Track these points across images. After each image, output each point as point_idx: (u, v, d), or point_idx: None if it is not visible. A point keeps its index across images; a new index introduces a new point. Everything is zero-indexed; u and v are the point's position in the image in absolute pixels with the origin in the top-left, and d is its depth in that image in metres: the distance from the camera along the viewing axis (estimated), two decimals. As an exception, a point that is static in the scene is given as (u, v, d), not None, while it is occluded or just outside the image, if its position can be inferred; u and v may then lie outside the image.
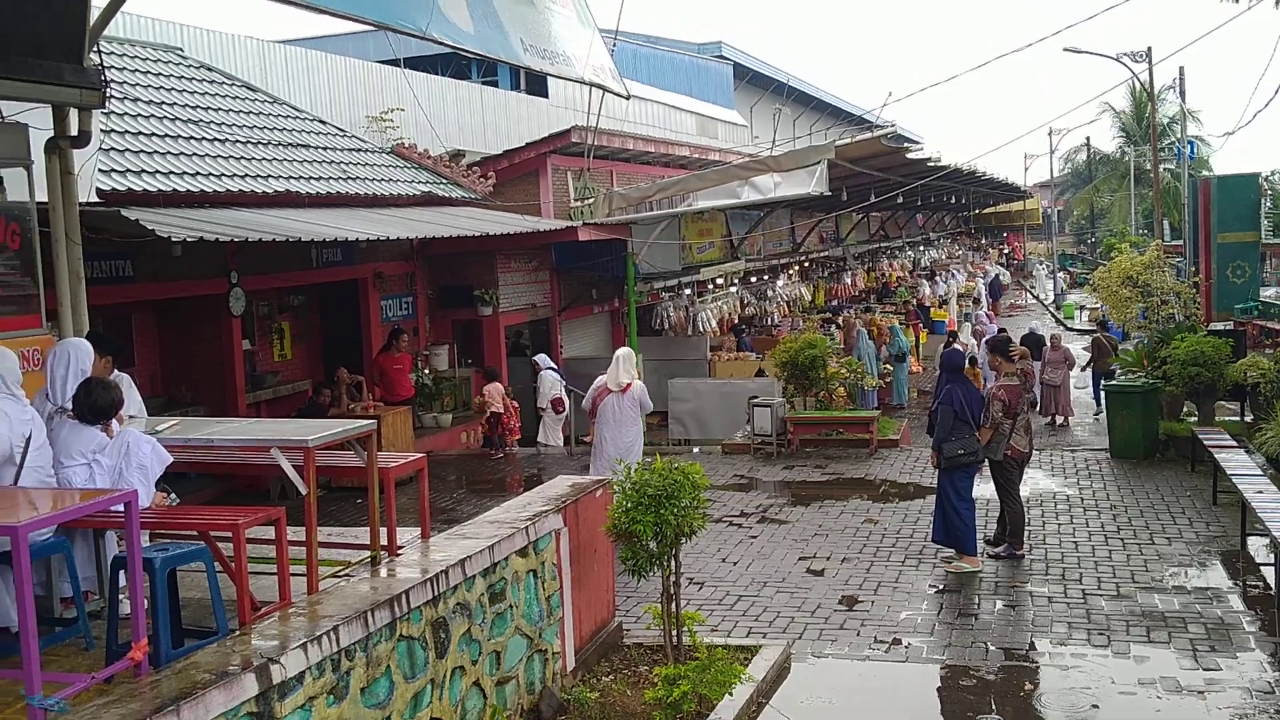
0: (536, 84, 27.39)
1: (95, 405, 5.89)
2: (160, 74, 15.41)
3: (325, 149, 16.59)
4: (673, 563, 7.83)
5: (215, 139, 14.29)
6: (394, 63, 19.90)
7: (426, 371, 17.94)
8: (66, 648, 5.63)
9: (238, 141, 14.66)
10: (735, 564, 11.07)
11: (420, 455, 7.66)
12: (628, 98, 13.49)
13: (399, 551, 7.03)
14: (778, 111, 40.94)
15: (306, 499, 6.28)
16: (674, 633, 7.96)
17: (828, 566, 10.86)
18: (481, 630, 6.84)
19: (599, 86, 12.19)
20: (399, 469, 7.28)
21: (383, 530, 7.00)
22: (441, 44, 8.76)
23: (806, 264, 32.18)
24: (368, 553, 6.98)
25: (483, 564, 6.90)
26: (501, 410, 16.87)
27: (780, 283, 29.23)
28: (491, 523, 7.63)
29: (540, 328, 20.70)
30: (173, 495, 6.55)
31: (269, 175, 14.17)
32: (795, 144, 30.52)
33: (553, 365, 17.92)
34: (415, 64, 22.19)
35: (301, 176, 14.84)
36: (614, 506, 7.86)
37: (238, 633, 5.49)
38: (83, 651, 5.58)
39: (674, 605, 7.94)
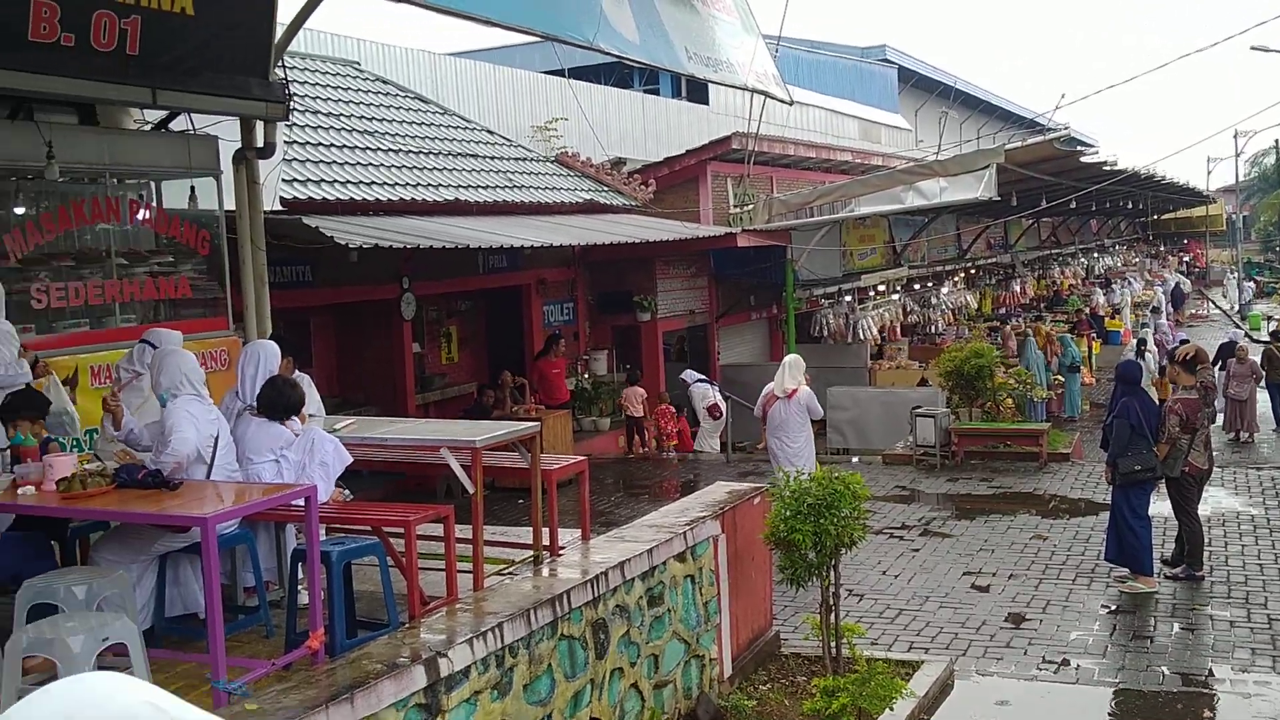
0: (698, 91, 27.50)
1: (281, 403, 6.17)
2: (339, 87, 16.08)
3: (492, 158, 17.01)
4: (832, 573, 7.73)
5: (389, 149, 14.82)
6: (559, 73, 20.26)
7: (586, 376, 18.19)
8: (249, 635, 5.91)
9: (410, 151, 15.18)
10: (896, 577, 10.86)
11: (581, 458, 7.77)
12: (790, 103, 13.41)
13: (560, 552, 7.15)
14: (943, 115, 40.05)
15: (473, 498, 6.44)
16: (833, 644, 7.85)
17: (993, 582, 10.55)
18: (640, 633, 6.89)
19: (762, 93, 12.15)
20: (561, 471, 7.40)
21: (544, 531, 7.13)
22: (608, 54, 8.89)
23: (973, 271, 31.36)
24: (530, 552, 7.12)
25: (641, 567, 6.95)
26: (640, 414, 17.01)
27: (945, 290, 28.56)
28: (650, 526, 7.68)
29: (698, 334, 20.75)
30: (347, 491, 6.81)
31: (439, 184, 14.62)
32: (962, 148, 29.78)
33: (701, 376, 17.97)
34: (579, 74, 22.56)
35: (470, 185, 15.26)
36: (772, 515, 7.81)
37: (407, 626, 5.68)
38: (263, 639, 5.86)
39: (833, 616, 7.84)
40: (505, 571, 7.04)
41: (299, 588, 5.72)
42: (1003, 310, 32.81)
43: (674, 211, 19.29)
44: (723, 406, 17.47)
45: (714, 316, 20.86)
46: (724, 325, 21.16)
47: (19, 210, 8.25)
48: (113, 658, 4.68)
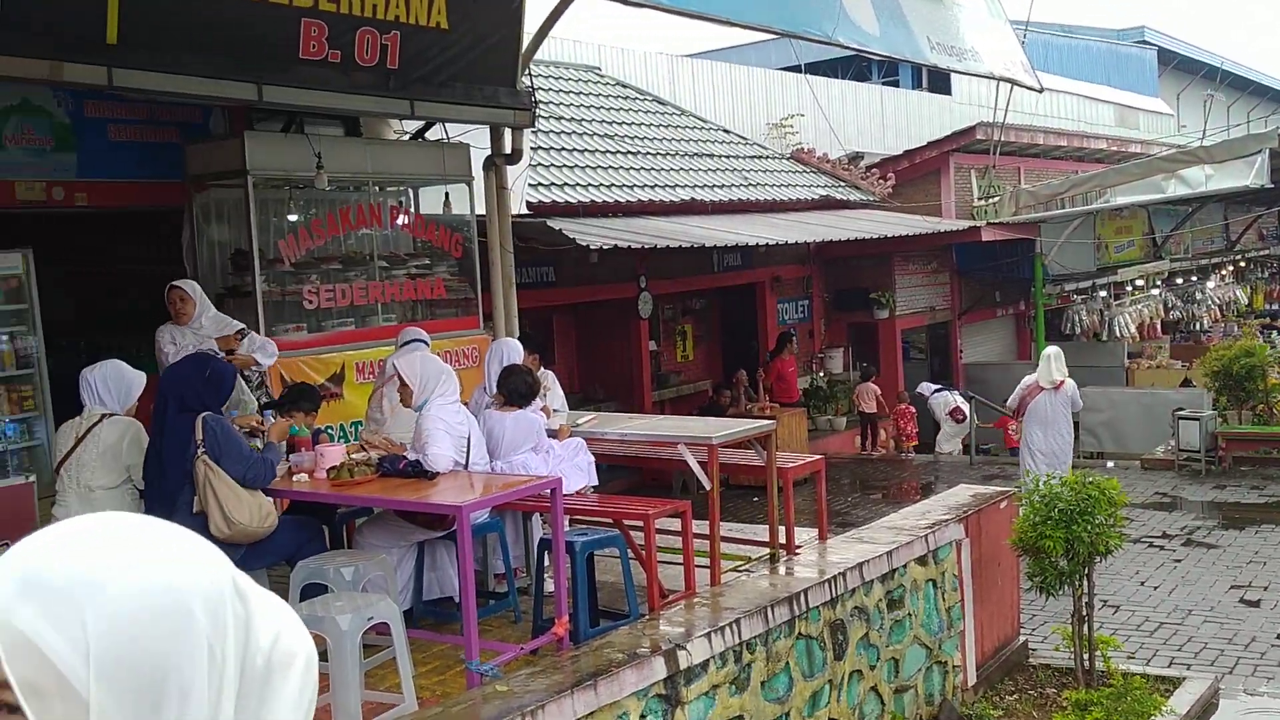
0: (939, 81, 26.74)
1: (518, 389, 6.42)
2: (580, 92, 16.54)
3: (728, 157, 17.08)
4: (1084, 582, 7.36)
5: (628, 151, 15.13)
6: (795, 69, 20.16)
7: (821, 374, 18.01)
8: (498, 619, 6.17)
9: (648, 154, 15.44)
10: (1155, 588, 10.23)
11: (818, 457, 7.71)
12: (1040, 90, 12.86)
13: (797, 551, 7.12)
14: (1208, 98, 37.38)
15: (710, 494, 6.50)
16: (1085, 656, 7.48)
17: (1265, 597, 9.78)
18: (879, 636, 6.77)
19: (1009, 81, 11.71)
20: (797, 469, 7.36)
21: (780, 529, 7.11)
22: (847, 48, 8.78)
23: (1243, 264, 29.14)
24: (766, 550, 7.12)
25: (880, 569, 6.82)
26: (873, 411, 16.67)
27: (1210, 284, 26.67)
28: (890, 528, 7.54)
29: (938, 331, 20.17)
30: (590, 484, 7.00)
31: (676, 185, 14.81)
32: (1230, 133, 27.73)
33: (939, 386, 17.48)
34: (816, 68, 22.35)
35: (705, 185, 15.38)
36: (1020, 519, 7.52)
37: (647, 617, 5.78)
38: (511, 624, 6.10)
39: (1085, 627, 7.46)
40: (742, 568, 7.07)
41: (545, 576, 5.92)
42: (1276, 306, 30.35)
43: (914, 206, 18.83)
44: (965, 409, 16.93)
45: (956, 314, 20.23)
46: (967, 323, 20.49)
47: (292, 217, 8.90)
48: (375, 635, 4.99)
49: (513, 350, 6.99)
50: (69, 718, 0.78)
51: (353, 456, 5.84)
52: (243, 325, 7.14)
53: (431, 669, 5.50)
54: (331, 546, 5.94)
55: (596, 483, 6.66)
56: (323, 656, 4.97)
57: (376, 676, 5.13)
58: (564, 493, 5.68)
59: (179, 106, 8.67)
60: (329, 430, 7.42)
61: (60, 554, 0.81)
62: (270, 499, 5.42)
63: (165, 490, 5.19)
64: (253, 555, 5.32)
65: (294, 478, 5.79)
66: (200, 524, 5.12)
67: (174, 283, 7.15)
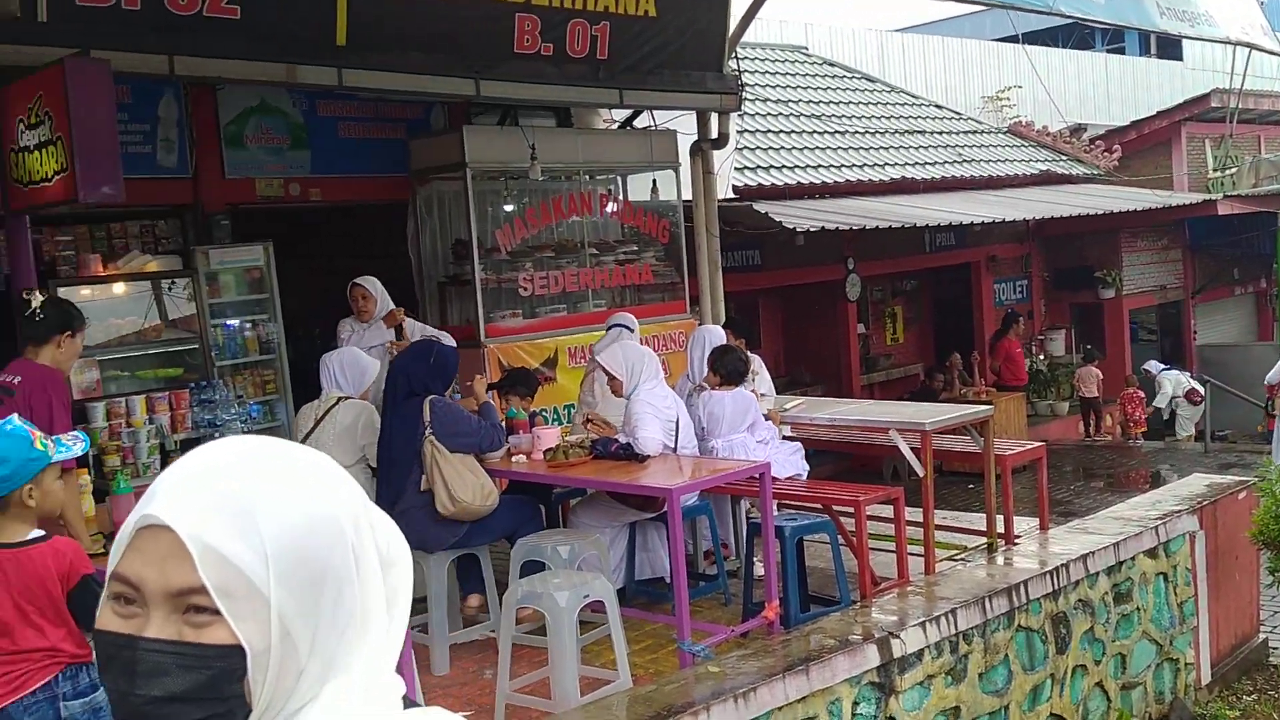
0: (1169, 47, 25.20)
1: (735, 368, 6.45)
2: (786, 73, 16.40)
3: (940, 133, 16.61)
4: (1335, 579, 6.85)
5: (835, 131, 14.92)
6: (1011, 39, 19.39)
7: (1041, 357, 17.32)
8: (708, 601, 6.23)
9: (856, 132, 15.18)
10: None
11: (1038, 444, 7.43)
12: (1282, 53, 11.94)
13: (1016, 541, 6.89)
14: None
15: (923, 481, 6.37)
16: (1335, 659, 6.96)
17: None
18: (1105, 630, 6.49)
19: (1247, 45, 10.92)
20: (1016, 457, 7.12)
21: (998, 518, 6.90)
22: (1070, 18, 8.39)
23: None
24: (983, 539, 6.92)
25: (1106, 561, 6.53)
26: (1094, 395, 15.87)
27: None
28: (1116, 519, 7.19)
29: (1169, 311, 19.05)
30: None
31: (885, 164, 14.51)
32: None
33: (1166, 365, 16.48)
34: (1034, 38, 21.44)
35: (916, 163, 15.01)
36: (1261, 511, 7.04)
37: (859, 605, 5.73)
38: (721, 606, 6.15)
39: (1336, 628, 6.94)
40: (957, 557, 6.90)
41: (754, 560, 5.94)
42: None
43: (1142, 179, 17.83)
44: (1201, 390, 15.96)
45: (1189, 292, 19.06)
46: (1201, 302, 19.27)
47: (508, 207, 9.20)
48: (590, 613, 5.13)
49: (715, 337, 7.02)
50: (254, 612, 0.94)
51: (567, 439, 6.00)
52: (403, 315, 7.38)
53: (644, 647, 5.60)
54: (548, 526, 6.13)
55: (806, 472, 6.62)
56: (541, 631, 5.15)
57: (591, 652, 5.26)
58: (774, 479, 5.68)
59: (403, 104, 9.09)
60: (543, 413, 7.64)
61: (236, 478, 0.97)
62: (490, 479, 5.64)
63: (395, 469, 5.47)
64: (475, 532, 5.55)
65: (512, 458, 6.00)
66: (427, 501, 5.38)
67: (356, 280, 7.32)
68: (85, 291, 7.38)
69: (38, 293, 4.77)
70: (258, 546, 0.94)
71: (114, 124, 5.55)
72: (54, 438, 3.23)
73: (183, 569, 0.94)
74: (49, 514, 3.29)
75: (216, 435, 7.42)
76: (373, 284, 7.28)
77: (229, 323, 8.14)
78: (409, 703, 1.06)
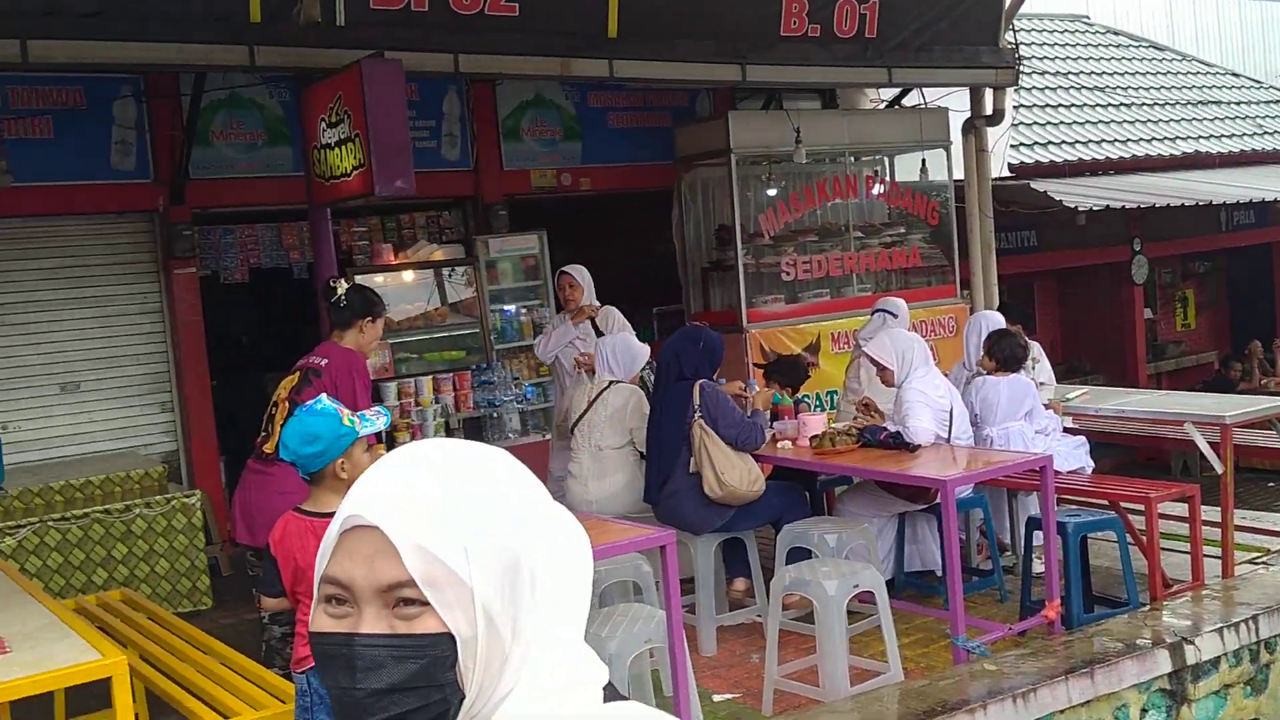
0: None
1: (1012, 354, 6.19)
2: (1066, 44, 15.56)
3: (1238, 104, 15.34)
4: None
5: (1120, 104, 14.04)
6: (1323, -4, 17.65)
7: (1356, 345, 15.73)
8: (982, 597, 6.01)
9: (1143, 105, 14.24)
10: None
11: (1359, 440, 6.74)
12: None
13: (1330, 545, 6.30)
14: None
15: (1222, 478, 5.91)
16: None
17: None
18: None
19: None
20: (1331, 453, 6.49)
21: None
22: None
23: None
24: (1290, 542, 6.36)
25: None
26: None
27: None
28: None
29: None
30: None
31: (1175, 137, 13.55)
32: None
33: None
34: (1349, -6, 19.40)
35: (1211, 135, 13.93)
36: None
37: (1148, 607, 5.38)
38: (996, 603, 5.92)
39: None
40: (1258, 560, 6.38)
41: (1034, 557, 5.68)
42: None
43: None
44: None
45: None
46: None
47: (771, 192, 9.17)
48: (858, 603, 5.04)
49: (994, 323, 6.73)
50: (459, 601, 0.99)
51: (834, 426, 5.92)
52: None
53: (914, 641, 5.46)
54: (813, 513, 6.06)
55: (1090, 467, 6.27)
56: (807, 619, 5.11)
57: (860, 643, 5.18)
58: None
59: (669, 92, 9.21)
60: (805, 399, 7.57)
61: (434, 477, 1.02)
62: (757, 464, 5.64)
63: (664, 451, 5.55)
64: (741, 516, 5.56)
65: (778, 444, 5.97)
66: (695, 483, 5.43)
67: (564, 268, 7.02)
68: (378, 279, 7.89)
69: (342, 280, 5.11)
70: (458, 538, 0.99)
71: (406, 121, 5.90)
72: (359, 413, 3.45)
73: (391, 564, 0.99)
74: None
75: (495, 416, 7.78)
76: (580, 273, 6.96)
77: (506, 308, 8.51)
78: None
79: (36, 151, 6.94)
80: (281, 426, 4.61)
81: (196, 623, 4.85)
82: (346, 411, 3.41)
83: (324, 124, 6.13)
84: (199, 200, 7.57)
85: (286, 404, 4.64)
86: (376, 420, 3.47)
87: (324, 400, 3.46)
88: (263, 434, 4.75)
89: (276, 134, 7.83)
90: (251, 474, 4.71)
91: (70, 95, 7.09)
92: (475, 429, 8.08)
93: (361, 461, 3.41)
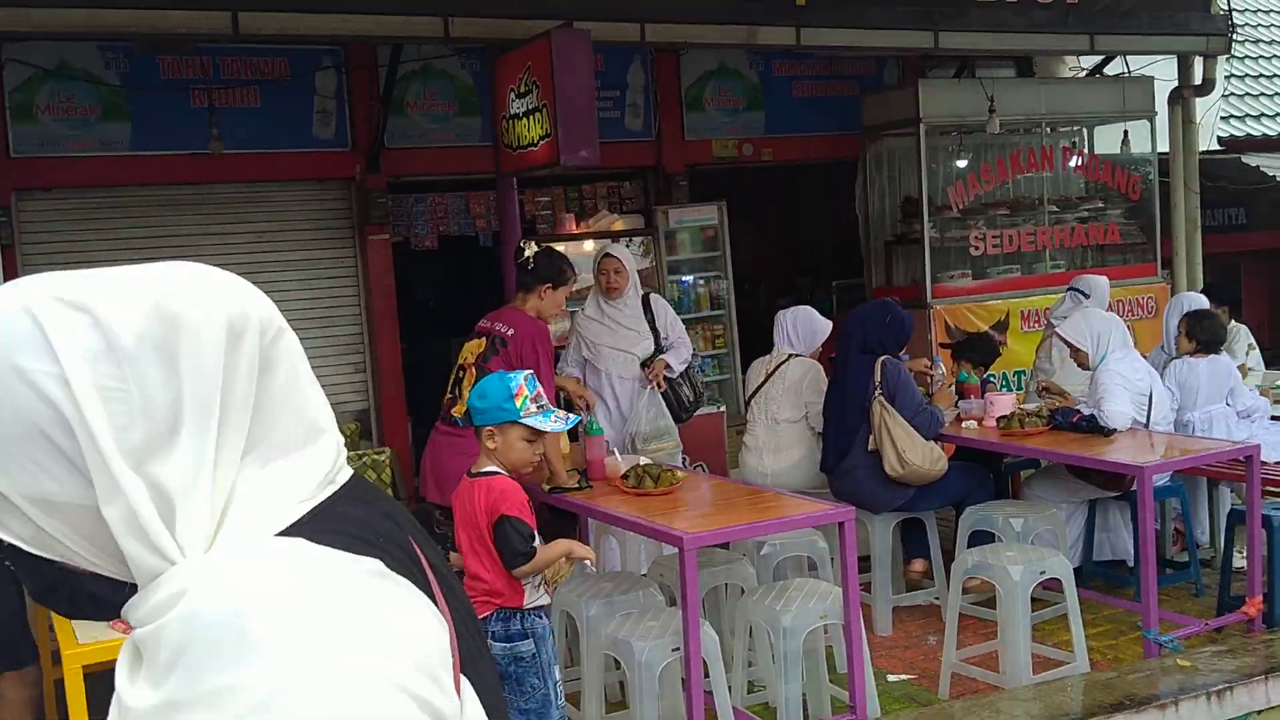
0: None
1: (1214, 334, 5.87)
2: (1284, 9, 14.51)
3: None
4: None
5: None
6: None
7: None
8: (1176, 590, 5.73)
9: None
10: None
11: None
12: None
13: None
14: None
15: None
16: None
17: None
18: None
19: None
20: None
21: None
22: None
23: None
24: None
25: None
26: None
27: None
28: None
29: None
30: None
31: None
32: None
33: None
34: None
35: None
36: None
37: (1363, 611, 5.03)
38: (1192, 597, 5.63)
39: None
40: None
41: (1234, 550, 5.37)
42: None
43: None
44: None
45: None
46: None
47: (961, 163, 8.89)
48: (1043, 590, 4.88)
49: (1196, 304, 6.37)
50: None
51: (1023, 406, 5.72)
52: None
53: (1102, 632, 5.25)
54: (997, 497, 5.88)
55: None
56: (988, 603, 4.97)
57: (1044, 631, 5.01)
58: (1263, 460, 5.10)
59: (857, 60, 9.02)
60: (992, 378, 7.34)
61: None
62: (940, 444, 5.50)
63: (844, 426, 5.47)
64: (921, 496, 5.44)
65: (963, 424, 5.81)
66: (874, 461, 5.34)
67: (609, 250, 6.02)
68: (560, 248, 7.99)
69: (532, 243, 5.17)
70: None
71: (592, 92, 5.95)
72: (540, 403, 3.45)
73: None
74: (512, 466, 3.49)
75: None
76: (626, 256, 5.98)
77: (684, 279, 8.52)
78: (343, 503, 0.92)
79: (245, 120, 7.29)
80: (469, 390, 4.76)
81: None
82: (528, 394, 3.43)
83: (513, 94, 6.24)
84: (393, 169, 7.83)
85: (473, 369, 4.75)
86: (551, 419, 3.47)
87: (520, 376, 3.49)
88: (449, 396, 4.89)
89: (467, 104, 8.02)
90: (441, 435, 4.86)
91: (275, 66, 7.41)
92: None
93: (514, 445, 3.45)
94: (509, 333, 4.76)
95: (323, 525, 0.89)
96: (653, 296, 6.14)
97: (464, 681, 0.92)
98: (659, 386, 5.67)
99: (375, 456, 6.75)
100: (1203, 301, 6.43)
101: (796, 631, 4.05)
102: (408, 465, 7.46)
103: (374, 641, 0.82)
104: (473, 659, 0.95)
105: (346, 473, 0.96)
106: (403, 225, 8.35)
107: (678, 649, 3.81)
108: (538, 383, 3.53)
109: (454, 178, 8.27)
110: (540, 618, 3.50)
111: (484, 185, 8.06)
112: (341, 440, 0.97)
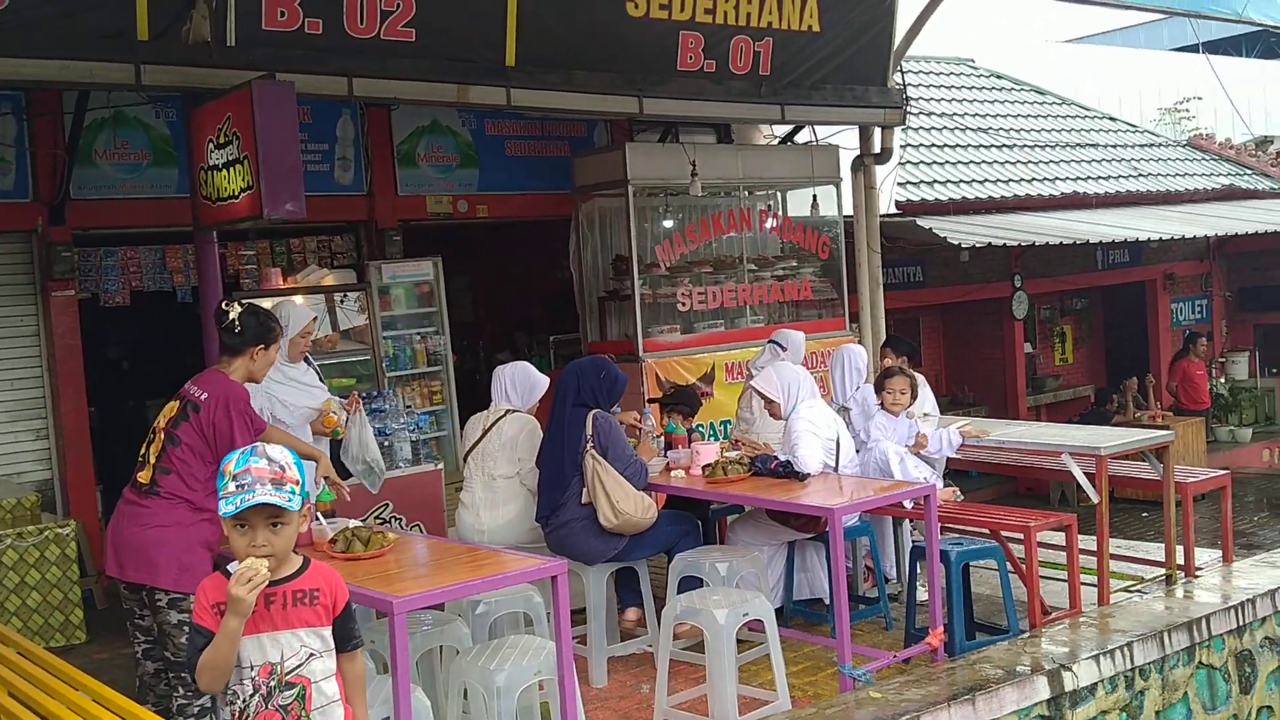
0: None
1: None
2: (952, 86, 16.05)
3: (1114, 146, 16.01)
4: None
5: (1003, 145, 14.52)
6: (1191, 49, 18.56)
7: (1222, 380, 16.46)
8: (868, 624, 6.11)
9: (1025, 146, 14.76)
10: None
11: (1223, 472, 7.05)
12: None
13: (1197, 573, 6.55)
14: None
15: (1097, 508, 6.11)
16: None
17: None
18: (1295, 672, 6.10)
19: None
20: (1199, 485, 6.78)
21: (1178, 549, 6.57)
22: (1260, 25, 7.97)
23: None
24: (1161, 570, 6.61)
25: (1298, 598, 6.14)
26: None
27: None
28: (1308, 553, 6.77)
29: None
30: (959, 491, 6.78)
31: (1055, 178, 14.06)
32: None
33: None
34: (1215, 47, 20.37)
35: (1089, 177, 14.49)
36: None
37: (1028, 634, 5.53)
38: (882, 630, 6.02)
39: None
40: (1133, 588, 6.61)
41: (918, 584, 5.80)
42: None
43: (1335, 193, 16.78)
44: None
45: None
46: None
47: (668, 223, 9.25)
48: (748, 631, 5.08)
49: (856, 356, 6.90)
50: None
51: (726, 455, 5.97)
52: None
53: (802, 669, 5.52)
54: (705, 542, 6.10)
55: (949, 484, 6.45)
56: (698, 647, 5.13)
57: (749, 672, 5.21)
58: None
59: (568, 122, 9.25)
60: (699, 429, 7.63)
61: None
62: (650, 493, 5.65)
63: (558, 478, 5.52)
64: (634, 546, 5.56)
65: (671, 473, 6.00)
66: (589, 514, 5.42)
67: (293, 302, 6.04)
68: (266, 304, 7.70)
69: (236, 304, 4.93)
70: None
71: (297, 144, 5.79)
72: (241, 481, 2.80)
73: None
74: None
75: (387, 444, 7.65)
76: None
77: (399, 335, 8.40)
78: None
79: (-93, 167, 6.66)
80: (156, 457, 4.47)
81: (69, 658, 4.66)
82: (232, 470, 2.84)
83: (212, 145, 5.99)
84: (80, 221, 7.35)
85: (163, 435, 4.49)
86: (246, 498, 2.82)
87: (239, 451, 2.93)
88: (139, 462, 4.59)
89: (162, 154, 7.65)
90: (125, 503, 4.53)
91: (-56, 110, 6.84)
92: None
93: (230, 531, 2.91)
94: (202, 397, 4.50)
95: None
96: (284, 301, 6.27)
97: None
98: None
99: (58, 530, 6.24)
100: (862, 353, 6.99)
101: (510, 690, 4.03)
102: (96, 539, 6.94)
103: None
104: None
105: None
106: (91, 280, 7.82)
107: (388, 718, 3.71)
108: (258, 457, 2.88)
109: (148, 230, 7.84)
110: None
111: (182, 239, 7.68)
112: None
